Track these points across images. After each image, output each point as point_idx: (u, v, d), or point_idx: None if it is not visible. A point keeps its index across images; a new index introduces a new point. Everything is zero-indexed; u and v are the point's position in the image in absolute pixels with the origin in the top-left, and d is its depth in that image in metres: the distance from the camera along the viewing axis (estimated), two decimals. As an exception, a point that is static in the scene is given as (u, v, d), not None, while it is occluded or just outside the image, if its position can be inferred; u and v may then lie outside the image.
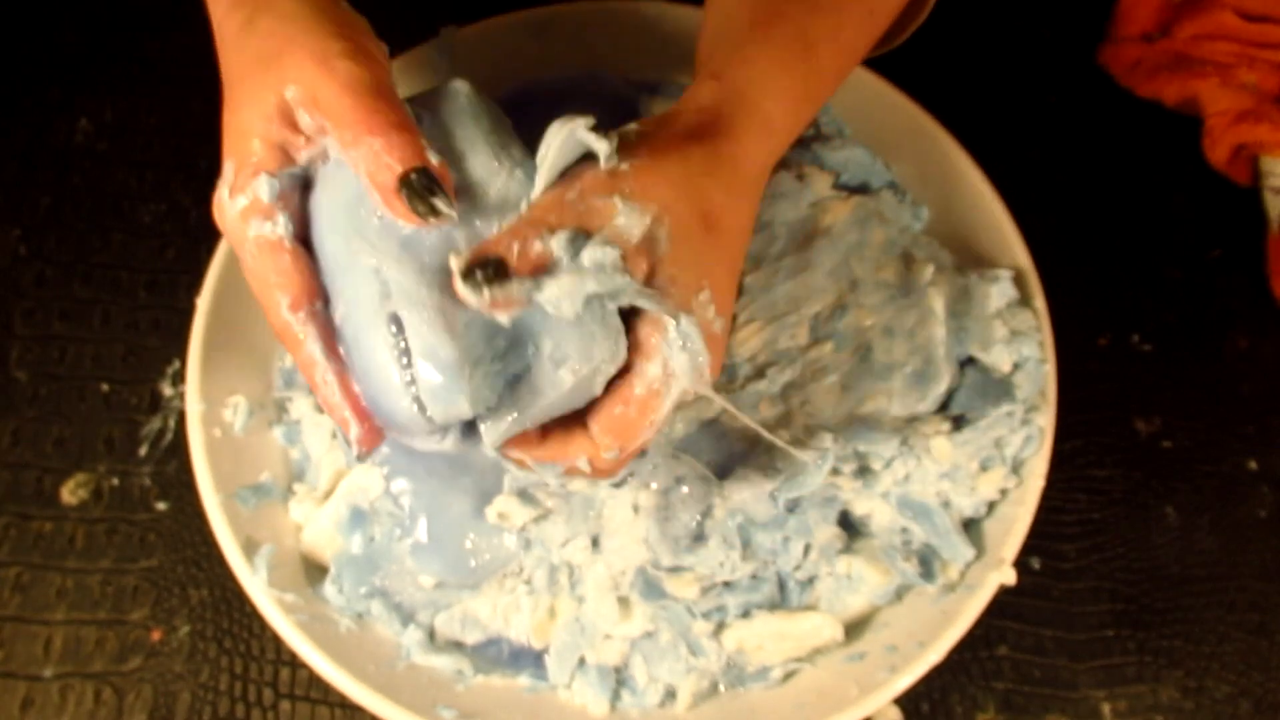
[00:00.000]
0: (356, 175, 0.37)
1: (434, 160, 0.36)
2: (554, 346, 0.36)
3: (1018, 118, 0.68)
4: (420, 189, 0.35)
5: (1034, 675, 0.53)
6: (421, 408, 0.36)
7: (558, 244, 0.36)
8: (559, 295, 0.35)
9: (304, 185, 0.39)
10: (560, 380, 0.36)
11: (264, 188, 0.37)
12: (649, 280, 0.37)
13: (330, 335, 0.38)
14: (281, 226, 0.38)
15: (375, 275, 0.36)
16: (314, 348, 0.38)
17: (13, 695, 0.52)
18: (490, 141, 0.39)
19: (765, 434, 0.44)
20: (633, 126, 0.40)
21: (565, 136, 0.37)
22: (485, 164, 0.38)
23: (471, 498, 0.49)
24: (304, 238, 0.39)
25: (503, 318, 0.36)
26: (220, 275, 0.53)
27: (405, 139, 0.36)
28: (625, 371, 0.38)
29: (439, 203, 0.35)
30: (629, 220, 0.37)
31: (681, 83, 0.60)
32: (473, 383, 0.35)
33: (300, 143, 0.38)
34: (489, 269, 0.34)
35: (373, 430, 0.38)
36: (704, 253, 0.39)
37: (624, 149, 0.38)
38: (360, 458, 0.40)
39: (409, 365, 0.35)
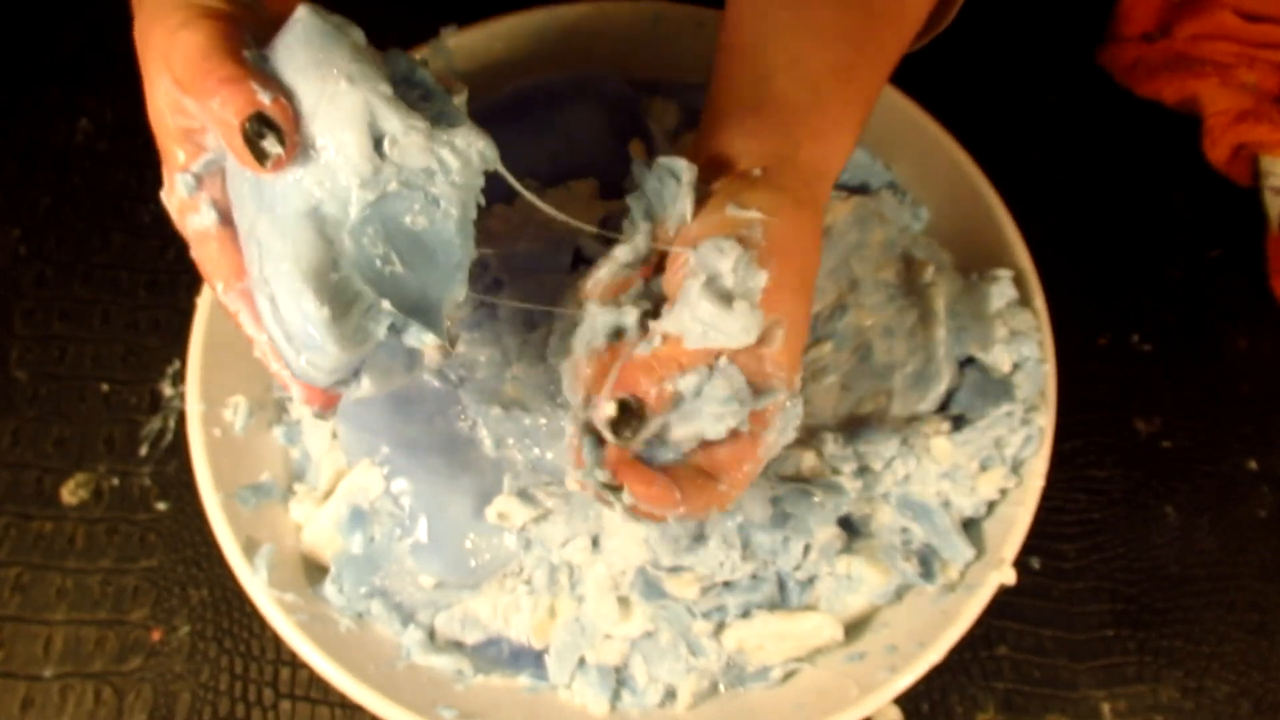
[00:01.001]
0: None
1: (265, 100, 0.34)
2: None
3: (1018, 118, 0.68)
4: (252, 136, 0.34)
5: (1034, 675, 0.54)
6: (299, 353, 0.36)
7: (686, 385, 0.37)
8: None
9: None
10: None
11: (180, 185, 0.38)
12: (761, 373, 0.39)
13: (257, 312, 0.38)
14: (205, 216, 0.38)
15: (255, 244, 0.36)
16: (246, 322, 0.38)
17: (13, 695, 0.52)
18: (318, 61, 0.35)
19: None
20: (753, 218, 0.40)
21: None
22: (314, 89, 0.35)
23: (471, 498, 0.49)
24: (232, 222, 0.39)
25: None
26: (220, 275, 0.53)
27: (232, 90, 0.34)
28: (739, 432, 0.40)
29: (266, 145, 0.34)
30: (749, 333, 0.38)
31: (682, 83, 0.60)
32: (344, 323, 0.35)
33: (197, 124, 0.38)
34: (633, 423, 0.37)
35: (310, 388, 0.38)
36: (802, 341, 0.41)
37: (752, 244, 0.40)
38: (319, 416, 0.41)
39: (281, 320, 0.35)
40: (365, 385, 0.38)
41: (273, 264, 0.35)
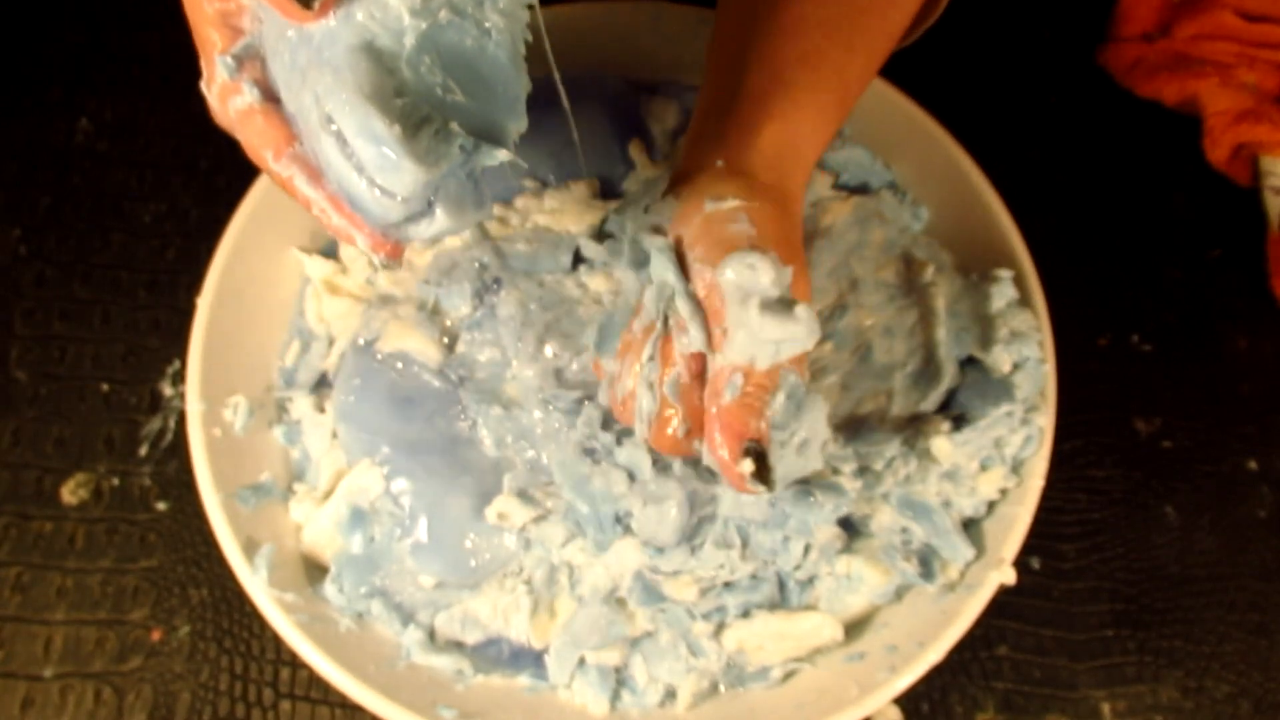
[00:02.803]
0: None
1: None
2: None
3: (1018, 118, 0.68)
4: None
5: (1034, 675, 0.54)
6: (374, 185, 0.36)
7: (779, 404, 0.39)
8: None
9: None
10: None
11: (221, 69, 0.38)
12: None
13: (314, 170, 0.38)
14: (248, 94, 0.38)
15: (311, 94, 0.36)
16: (301, 184, 0.38)
17: (13, 695, 0.52)
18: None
19: None
20: (736, 205, 0.40)
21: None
22: None
23: (471, 498, 0.49)
24: (276, 99, 0.39)
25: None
26: (220, 275, 0.53)
27: None
28: None
29: None
30: None
31: (682, 83, 0.60)
32: (416, 142, 0.35)
33: (233, 7, 0.38)
34: (765, 466, 0.38)
35: (374, 235, 0.38)
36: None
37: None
38: (387, 266, 0.40)
39: (352, 154, 0.35)
40: (439, 218, 0.38)
41: (334, 101, 0.35)
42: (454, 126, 0.36)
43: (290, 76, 0.37)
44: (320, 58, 0.35)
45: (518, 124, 0.37)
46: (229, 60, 0.38)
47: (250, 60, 0.38)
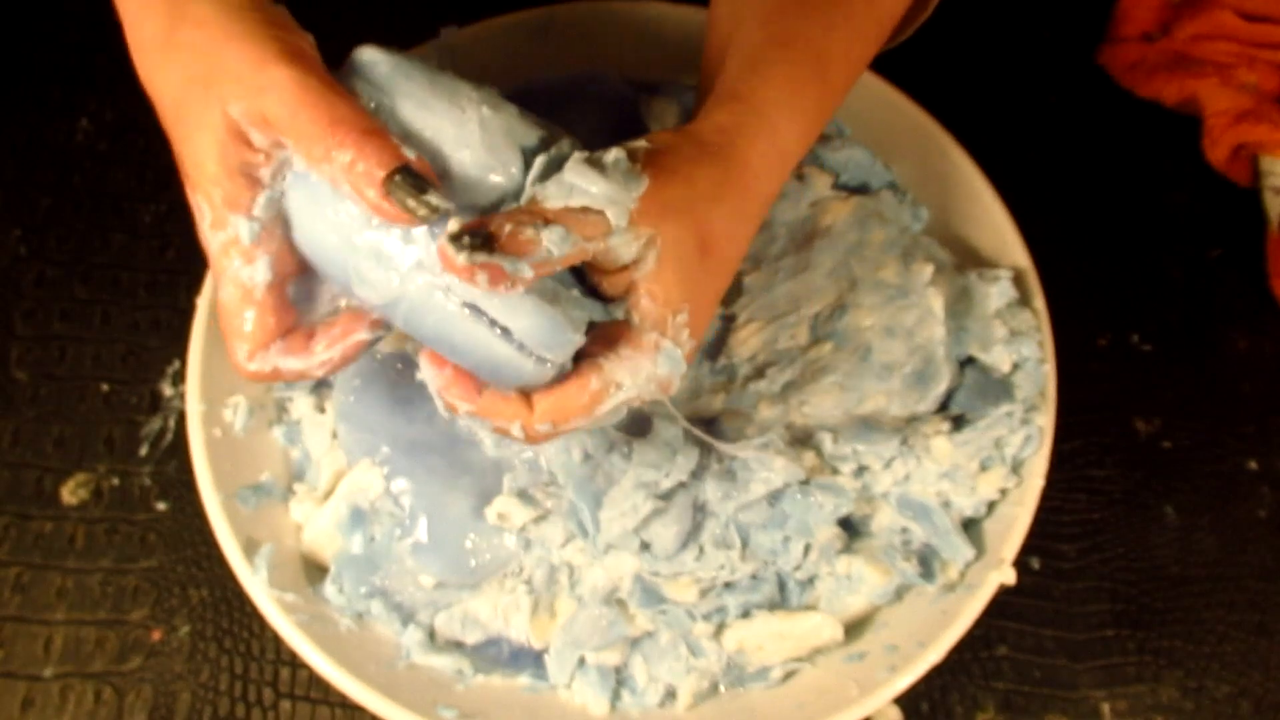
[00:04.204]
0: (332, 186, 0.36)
1: (411, 156, 0.35)
2: (524, 330, 0.37)
3: (1018, 118, 0.68)
4: (410, 189, 0.34)
5: (1034, 675, 0.54)
6: (543, 361, 0.37)
7: (549, 237, 0.35)
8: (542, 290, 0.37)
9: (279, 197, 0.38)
10: (523, 369, 0.37)
11: (244, 230, 0.37)
12: (628, 296, 0.38)
13: (300, 342, 0.39)
14: (259, 273, 0.37)
15: (424, 273, 0.36)
16: (291, 365, 0.39)
17: (13, 695, 0.52)
18: (442, 97, 0.37)
19: (704, 436, 0.47)
20: (641, 143, 0.39)
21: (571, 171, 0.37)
22: (453, 128, 0.37)
23: (471, 498, 0.49)
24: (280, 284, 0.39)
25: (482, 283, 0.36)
26: (220, 275, 0.53)
27: (377, 143, 0.34)
28: (580, 358, 0.38)
29: (432, 199, 0.34)
30: (621, 242, 0.37)
31: (682, 83, 0.60)
32: (567, 314, 0.37)
33: (260, 160, 0.36)
34: (477, 238, 0.34)
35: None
36: (696, 277, 0.39)
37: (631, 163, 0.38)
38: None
39: (511, 337, 0.37)
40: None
41: (495, 300, 0.36)
42: (575, 293, 0.38)
43: (345, 246, 0.37)
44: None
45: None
46: (255, 226, 0.37)
47: (270, 224, 0.37)
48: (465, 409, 0.38)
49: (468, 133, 0.37)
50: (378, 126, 0.35)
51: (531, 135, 0.38)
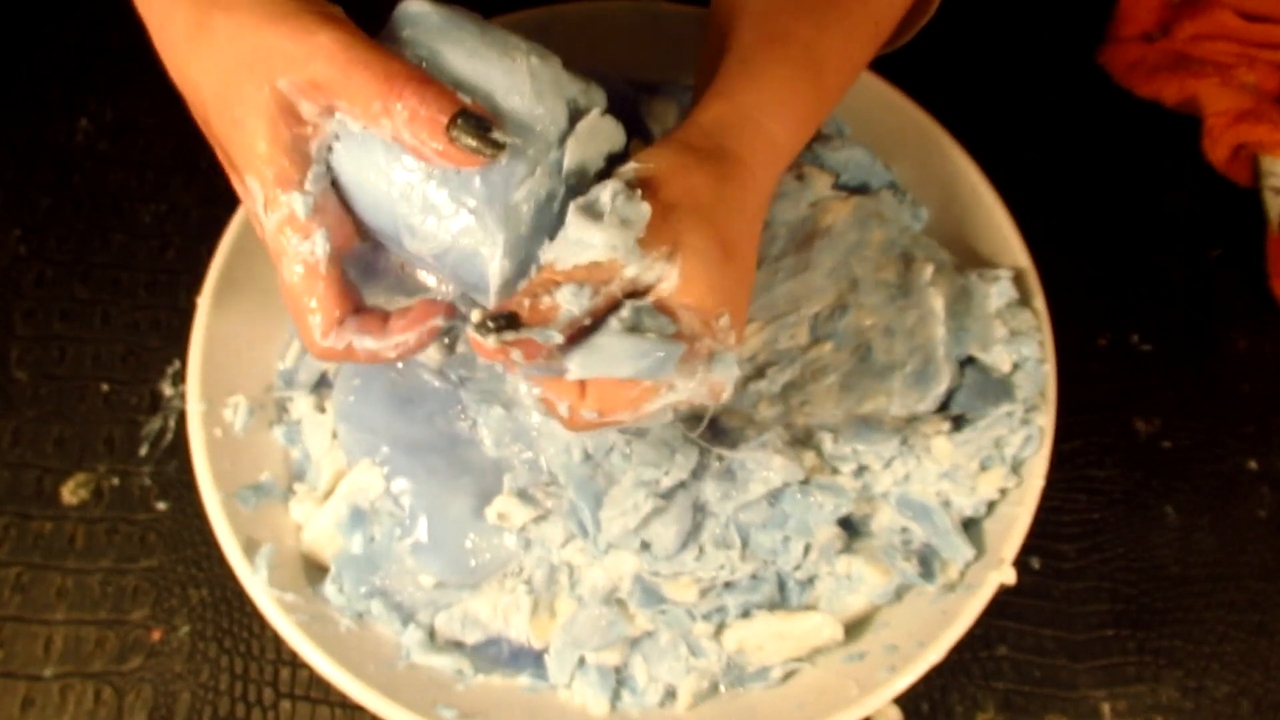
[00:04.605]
0: (389, 142, 0.36)
1: (467, 101, 0.35)
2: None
3: (1018, 118, 0.68)
4: (473, 131, 0.35)
5: (1034, 675, 0.54)
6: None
7: (565, 298, 0.36)
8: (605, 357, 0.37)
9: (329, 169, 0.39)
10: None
11: (300, 205, 0.37)
12: (669, 310, 0.38)
13: (376, 320, 0.39)
14: (320, 246, 0.37)
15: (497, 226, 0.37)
16: (365, 344, 0.39)
17: (13, 695, 0.52)
18: (493, 46, 0.38)
19: (697, 440, 0.47)
20: (630, 167, 0.39)
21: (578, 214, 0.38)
22: (504, 76, 0.37)
23: (471, 498, 0.49)
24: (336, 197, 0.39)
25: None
26: (220, 275, 0.53)
27: (435, 90, 0.35)
28: None
29: (496, 136, 0.35)
30: (641, 268, 0.37)
31: (682, 83, 0.60)
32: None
33: (309, 132, 0.37)
34: (500, 320, 0.35)
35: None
36: (725, 280, 0.39)
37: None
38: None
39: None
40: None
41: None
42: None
43: (409, 206, 0.37)
44: (505, 194, 0.37)
45: None
46: (310, 200, 0.37)
47: (325, 198, 0.38)
48: (526, 369, 0.38)
49: (518, 81, 0.37)
50: (426, 75, 0.36)
51: (574, 87, 0.39)
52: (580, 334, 0.37)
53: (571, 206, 0.37)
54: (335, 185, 0.38)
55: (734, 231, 0.40)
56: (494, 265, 0.38)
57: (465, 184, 0.37)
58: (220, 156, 0.39)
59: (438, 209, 0.37)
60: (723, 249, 0.39)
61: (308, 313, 0.38)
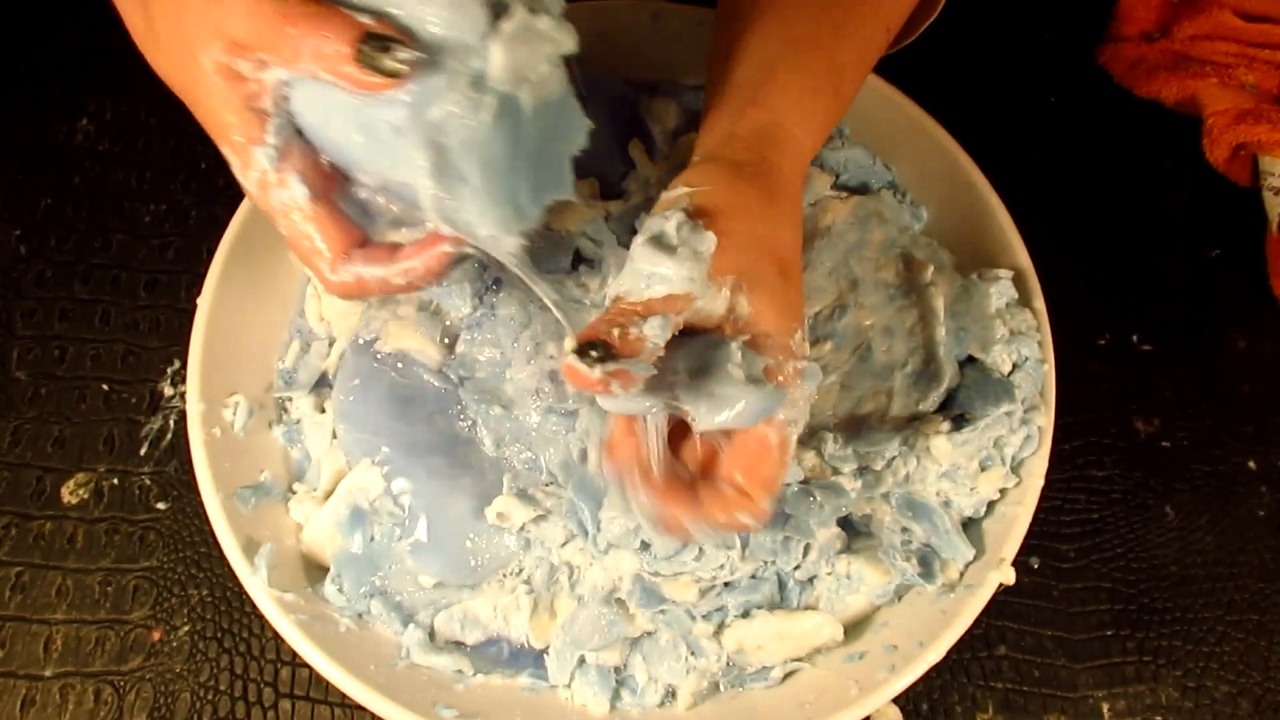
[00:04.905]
0: (322, 83, 0.36)
1: (369, 22, 0.34)
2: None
3: (1018, 118, 0.68)
4: (375, 54, 0.34)
5: (1034, 675, 0.54)
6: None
7: (650, 330, 0.37)
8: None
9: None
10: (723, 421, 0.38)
11: (263, 158, 0.37)
12: (754, 344, 0.39)
13: (382, 251, 0.39)
14: (296, 190, 0.37)
15: (426, 160, 0.36)
16: (373, 272, 0.38)
17: (13, 695, 0.52)
18: None
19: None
20: (682, 191, 0.40)
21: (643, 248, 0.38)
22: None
23: (471, 498, 0.49)
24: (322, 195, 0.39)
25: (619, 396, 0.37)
26: (220, 275, 0.53)
27: (333, 21, 0.34)
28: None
29: (402, 55, 0.34)
30: (708, 298, 0.38)
31: (682, 83, 0.60)
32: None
33: (255, 88, 0.37)
34: (598, 349, 0.36)
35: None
36: (787, 297, 0.40)
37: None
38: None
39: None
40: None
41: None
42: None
43: (372, 141, 0.37)
44: (424, 112, 0.35)
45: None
46: (271, 151, 0.37)
47: (287, 145, 0.38)
48: (689, 521, 0.40)
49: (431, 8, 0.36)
50: (326, 8, 0.35)
51: None
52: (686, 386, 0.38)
53: (640, 239, 0.38)
54: (301, 132, 0.38)
55: (786, 247, 0.41)
56: (423, 192, 0.37)
57: (390, 108, 0.36)
58: (210, 135, 0.39)
59: (372, 137, 0.37)
60: (780, 268, 0.40)
61: (312, 256, 0.38)
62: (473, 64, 0.36)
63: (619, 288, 0.38)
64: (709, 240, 0.38)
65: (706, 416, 0.38)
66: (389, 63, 0.34)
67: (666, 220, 0.38)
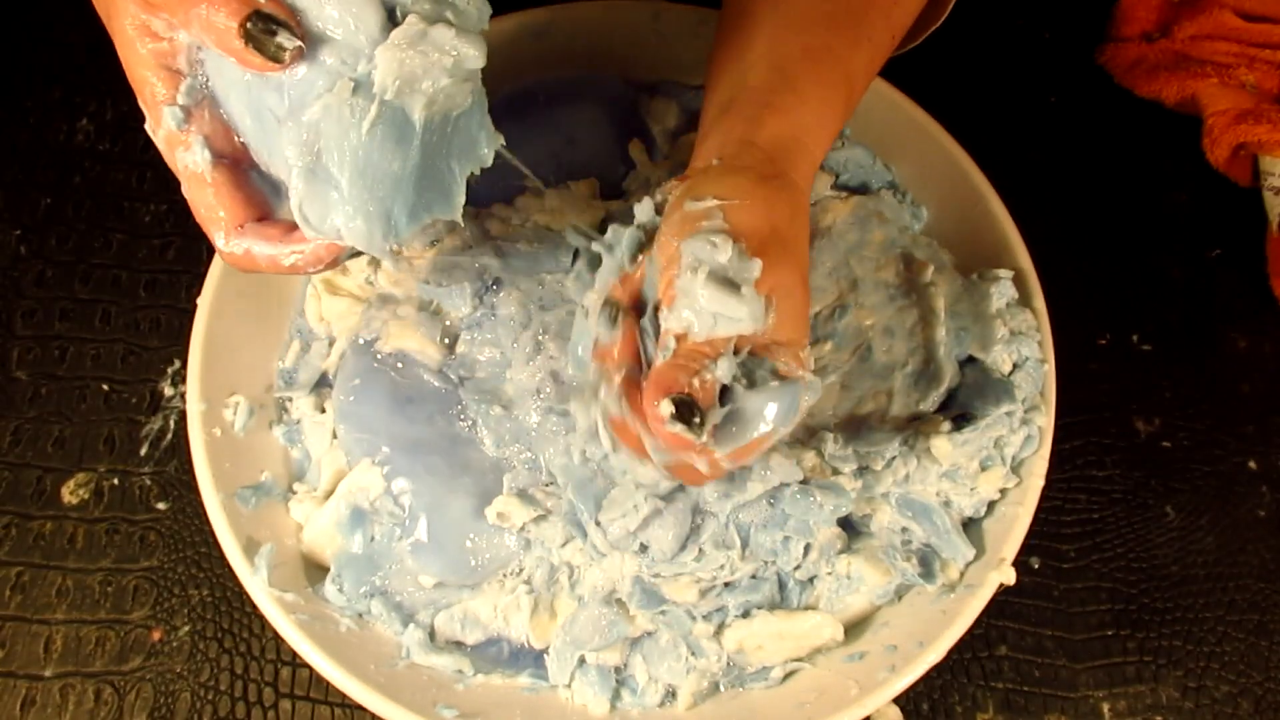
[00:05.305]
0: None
1: (260, 2, 0.34)
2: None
3: (1018, 118, 0.68)
4: (261, 34, 0.34)
5: (1034, 675, 0.54)
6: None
7: (723, 371, 0.38)
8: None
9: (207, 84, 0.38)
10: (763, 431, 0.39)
11: (169, 117, 0.37)
12: (766, 353, 0.39)
13: (276, 230, 0.38)
14: (198, 154, 0.37)
15: (295, 146, 0.35)
16: (263, 250, 0.38)
17: (13, 695, 0.52)
18: None
19: None
20: (711, 204, 0.40)
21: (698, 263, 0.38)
22: None
23: (471, 498, 0.49)
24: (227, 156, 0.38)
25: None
26: (220, 275, 0.53)
27: None
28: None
29: (282, 40, 0.33)
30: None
31: (682, 83, 0.60)
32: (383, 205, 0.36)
33: (167, 47, 0.37)
34: (688, 409, 0.36)
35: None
36: (805, 309, 0.41)
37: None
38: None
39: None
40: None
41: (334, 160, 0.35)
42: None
43: (259, 124, 0.36)
44: (302, 109, 0.35)
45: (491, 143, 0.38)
46: (177, 111, 0.37)
47: (198, 107, 0.37)
48: (660, 438, 0.39)
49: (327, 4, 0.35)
50: None
51: None
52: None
53: (700, 274, 0.38)
54: (215, 98, 0.38)
55: (805, 259, 0.41)
56: (292, 190, 0.36)
57: (276, 95, 0.35)
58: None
59: (260, 121, 0.36)
60: (803, 280, 0.41)
61: (209, 222, 0.38)
62: (360, 68, 0.35)
63: (679, 325, 0.38)
64: (756, 268, 0.39)
65: (729, 440, 0.38)
66: (271, 45, 0.34)
67: (717, 251, 0.38)
